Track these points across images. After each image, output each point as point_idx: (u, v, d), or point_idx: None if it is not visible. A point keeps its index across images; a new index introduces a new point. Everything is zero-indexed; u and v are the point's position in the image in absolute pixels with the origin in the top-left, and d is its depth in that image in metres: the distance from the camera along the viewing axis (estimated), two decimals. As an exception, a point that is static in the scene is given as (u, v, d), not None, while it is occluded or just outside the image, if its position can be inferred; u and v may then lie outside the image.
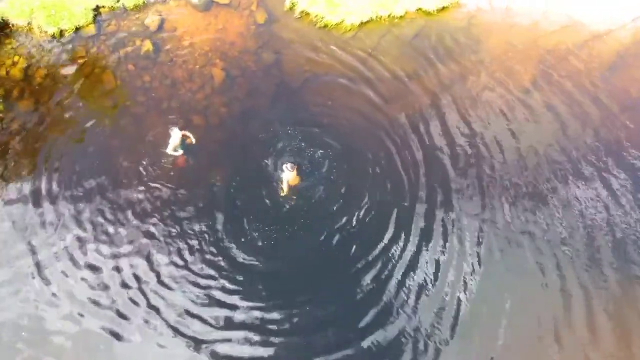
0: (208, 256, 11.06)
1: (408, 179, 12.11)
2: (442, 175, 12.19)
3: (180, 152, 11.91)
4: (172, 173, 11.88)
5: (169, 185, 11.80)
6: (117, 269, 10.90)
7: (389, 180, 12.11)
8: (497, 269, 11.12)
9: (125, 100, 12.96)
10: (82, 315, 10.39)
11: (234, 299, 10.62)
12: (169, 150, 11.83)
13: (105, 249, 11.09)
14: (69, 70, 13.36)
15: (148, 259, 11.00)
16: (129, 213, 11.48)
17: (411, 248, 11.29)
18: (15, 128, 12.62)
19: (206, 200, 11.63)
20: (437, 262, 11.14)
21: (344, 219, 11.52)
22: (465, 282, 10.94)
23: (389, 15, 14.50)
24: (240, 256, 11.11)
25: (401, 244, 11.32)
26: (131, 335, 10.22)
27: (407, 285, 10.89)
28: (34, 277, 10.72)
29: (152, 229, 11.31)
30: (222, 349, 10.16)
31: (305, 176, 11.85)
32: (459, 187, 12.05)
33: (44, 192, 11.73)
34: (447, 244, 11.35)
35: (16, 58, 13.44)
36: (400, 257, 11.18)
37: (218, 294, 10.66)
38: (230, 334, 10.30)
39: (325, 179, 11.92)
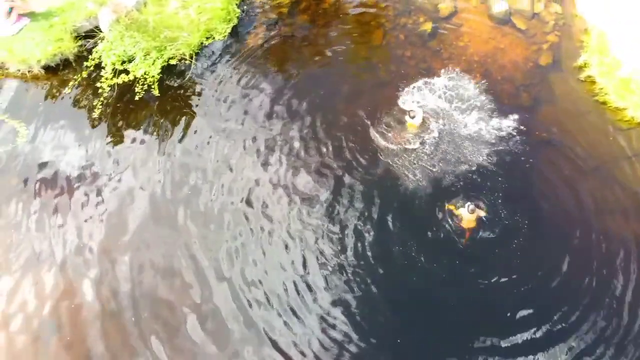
0: (335, 259, 10.71)
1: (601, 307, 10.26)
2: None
3: (415, 130, 11.92)
4: (373, 146, 11.93)
5: (358, 155, 11.85)
6: (248, 203, 11.40)
7: (581, 292, 10.34)
8: None
9: (379, 62, 13.30)
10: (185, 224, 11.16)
11: (341, 326, 10.06)
12: (414, 122, 11.85)
13: (257, 174, 11.73)
14: (353, 10, 14.12)
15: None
16: (303, 161, 11.82)
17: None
18: (284, 32, 13.88)
19: (377, 193, 11.35)
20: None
21: (505, 298, 10.16)
22: None
23: (681, 131, 12.40)
24: (371, 273, 10.46)
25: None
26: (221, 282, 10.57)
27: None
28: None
29: (305, 186, 11.49)
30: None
31: (488, 228, 10.88)
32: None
33: (252, 94, 12.91)
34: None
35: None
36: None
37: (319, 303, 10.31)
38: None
39: (507, 245, 10.72)
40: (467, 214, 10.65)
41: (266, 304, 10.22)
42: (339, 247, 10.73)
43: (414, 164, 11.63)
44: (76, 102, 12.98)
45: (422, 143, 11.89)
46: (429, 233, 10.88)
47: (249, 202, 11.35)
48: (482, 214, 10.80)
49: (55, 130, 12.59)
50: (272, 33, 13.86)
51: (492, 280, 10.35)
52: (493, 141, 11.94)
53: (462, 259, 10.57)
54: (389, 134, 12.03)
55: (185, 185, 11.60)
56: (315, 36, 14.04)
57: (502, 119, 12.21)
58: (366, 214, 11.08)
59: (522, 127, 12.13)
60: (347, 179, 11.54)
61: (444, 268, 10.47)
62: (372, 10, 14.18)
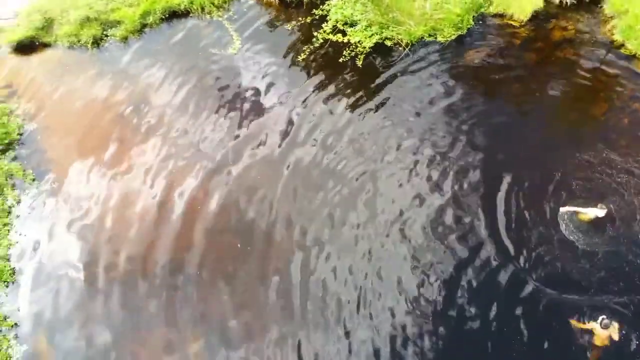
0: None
1: None
2: None
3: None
4: (527, 215, 10.87)
5: (505, 213, 10.86)
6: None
7: None
8: None
9: (585, 136, 11.93)
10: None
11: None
12: (589, 213, 10.63)
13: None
14: (587, 72, 12.88)
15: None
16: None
17: None
18: (504, 62, 13.22)
19: (502, 261, 10.29)
20: None
21: None
22: None
23: None
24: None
25: None
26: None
27: None
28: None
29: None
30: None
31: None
32: None
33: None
34: None
35: (570, 26, 13.56)
36: None
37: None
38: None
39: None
40: (600, 330, 9.41)
41: (323, 294, 10.13)
42: (427, 284, 10.10)
43: (563, 254, 10.38)
44: (290, 40, 13.88)
45: (583, 239, 10.57)
46: (549, 341, 9.55)
47: (364, 191, 11.25)
48: (616, 335, 9.43)
49: (261, 54, 13.74)
50: (493, 58, 13.27)
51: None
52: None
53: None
54: (553, 210, 10.89)
55: (328, 151, 11.89)
56: (531, 78, 13.15)
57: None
58: (476, 273, 10.17)
59: None
60: (478, 231, 10.67)
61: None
62: (608, 79, 12.82)
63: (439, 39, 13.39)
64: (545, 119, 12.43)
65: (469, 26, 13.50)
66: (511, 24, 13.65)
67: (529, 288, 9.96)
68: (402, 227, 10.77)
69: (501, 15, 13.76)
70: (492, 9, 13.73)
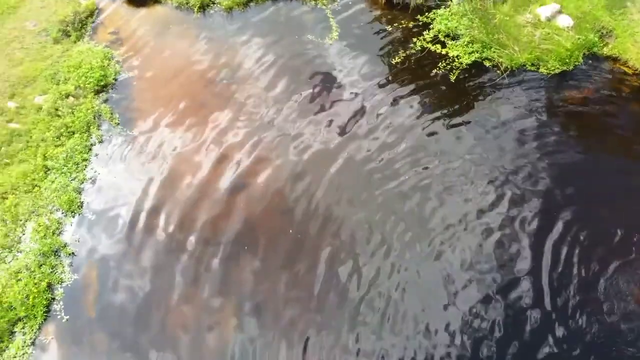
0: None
1: None
2: None
3: None
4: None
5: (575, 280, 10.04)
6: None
7: None
8: None
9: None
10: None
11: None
12: None
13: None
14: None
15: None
16: None
17: None
18: (607, 108, 12.40)
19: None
20: None
21: None
22: None
23: None
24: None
25: None
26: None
27: None
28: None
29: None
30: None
31: None
32: None
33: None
34: None
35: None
36: None
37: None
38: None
39: None
40: None
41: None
42: (450, 311, 9.59)
43: (606, 322, 9.45)
44: (387, 41, 13.76)
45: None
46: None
47: (411, 200, 10.89)
48: None
49: (356, 49, 13.69)
50: (594, 101, 12.47)
51: None
52: None
53: None
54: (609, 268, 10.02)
55: (383, 152, 11.71)
56: (630, 131, 12.14)
57: None
58: (504, 311, 9.51)
59: None
60: (519, 267, 10.00)
61: None
62: None
63: (542, 70, 12.77)
64: (632, 176, 11.52)
65: (576, 63, 12.77)
66: (624, 70, 12.78)
67: (550, 345, 9.23)
68: (441, 246, 10.32)
69: (615, 59, 12.91)
70: (606, 50, 12.91)
